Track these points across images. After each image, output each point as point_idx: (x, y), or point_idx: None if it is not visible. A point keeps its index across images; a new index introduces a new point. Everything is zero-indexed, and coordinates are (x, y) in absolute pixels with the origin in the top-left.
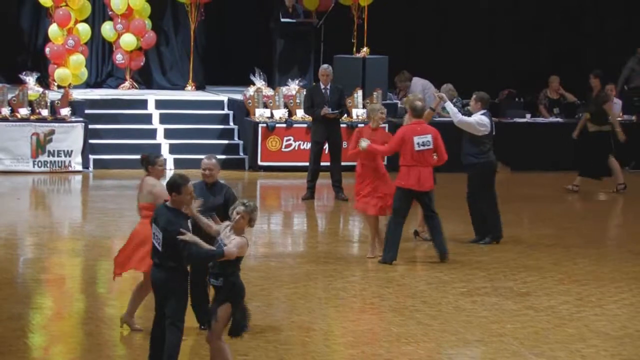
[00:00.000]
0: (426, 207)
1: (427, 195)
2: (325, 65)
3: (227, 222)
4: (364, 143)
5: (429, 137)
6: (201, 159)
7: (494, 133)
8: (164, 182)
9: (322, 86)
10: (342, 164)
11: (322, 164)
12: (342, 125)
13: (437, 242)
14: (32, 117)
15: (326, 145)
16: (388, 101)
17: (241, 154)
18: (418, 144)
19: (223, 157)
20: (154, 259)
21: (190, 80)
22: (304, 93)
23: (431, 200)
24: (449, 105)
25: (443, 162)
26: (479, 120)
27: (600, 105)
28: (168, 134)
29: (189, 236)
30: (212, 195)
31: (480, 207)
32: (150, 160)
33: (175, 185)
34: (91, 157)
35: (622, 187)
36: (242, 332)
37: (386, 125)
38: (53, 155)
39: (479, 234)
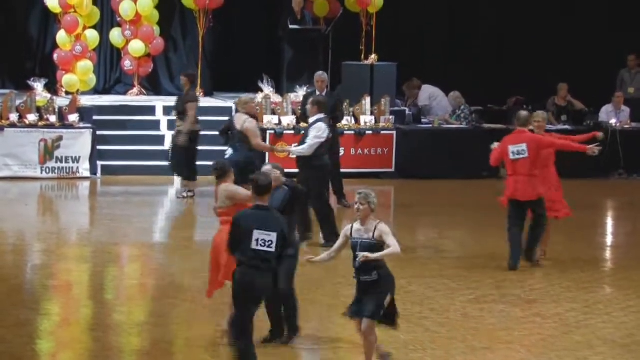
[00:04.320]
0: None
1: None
2: (320, 72)
3: None
4: None
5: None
6: (209, 165)
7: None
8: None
9: (318, 92)
10: (342, 170)
11: None
12: (350, 132)
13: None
14: (40, 123)
15: None
16: (396, 108)
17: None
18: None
19: None
20: (259, 265)
21: (198, 87)
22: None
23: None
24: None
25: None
26: (317, 134)
27: (185, 103)
28: None
29: None
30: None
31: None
32: (226, 170)
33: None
34: (99, 163)
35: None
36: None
37: (394, 132)
38: (61, 162)
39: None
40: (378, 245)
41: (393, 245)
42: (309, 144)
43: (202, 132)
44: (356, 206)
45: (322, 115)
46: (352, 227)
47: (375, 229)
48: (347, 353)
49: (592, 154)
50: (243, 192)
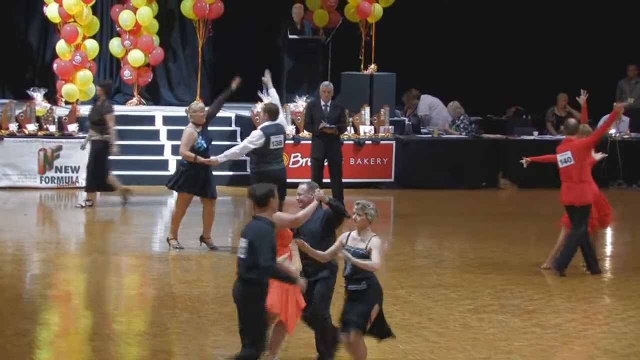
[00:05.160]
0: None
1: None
2: (327, 82)
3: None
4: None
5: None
6: None
7: (273, 146)
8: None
9: (323, 103)
10: (343, 180)
11: (324, 180)
12: (349, 142)
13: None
14: (39, 133)
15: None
16: (395, 118)
17: (248, 170)
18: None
19: (230, 173)
20: (238, 271)
21: (197, 97)
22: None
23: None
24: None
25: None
26: (249, 139)
27: (103, 114)
28: (175, 150)
29: None
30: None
31: None
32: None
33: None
34: None
35: (125, 201)
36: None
37: (393, 142)
38: (60, 171)
39: None
40: (369, 257)
41: (374, 259)
42: (237, 146)
43: (213, 143)
44: (354, 216)
45: (270, 123)
46: (349, 235)
47: (369, 241)
48: None
49: (619, 105)
50: (286, 216)
